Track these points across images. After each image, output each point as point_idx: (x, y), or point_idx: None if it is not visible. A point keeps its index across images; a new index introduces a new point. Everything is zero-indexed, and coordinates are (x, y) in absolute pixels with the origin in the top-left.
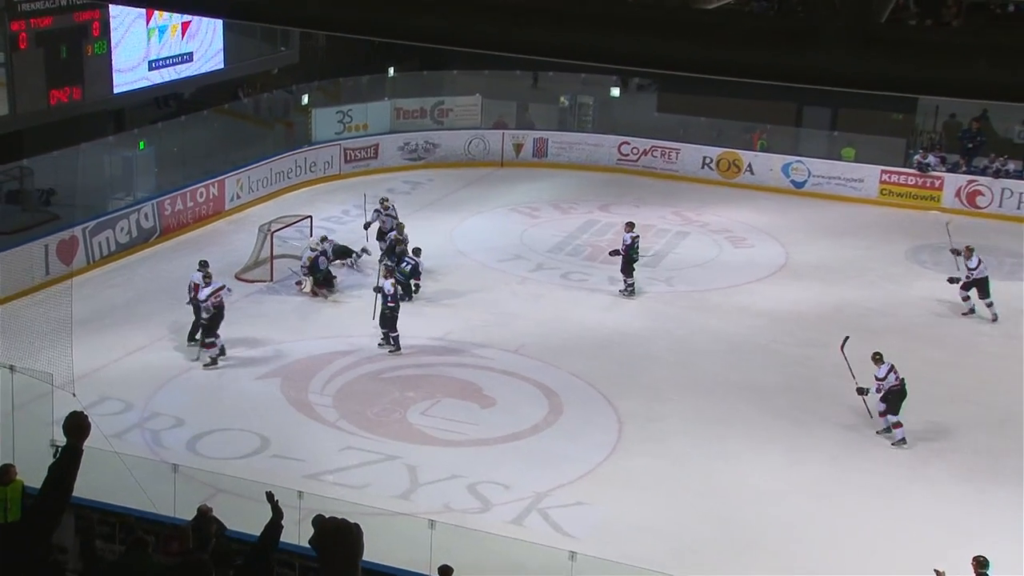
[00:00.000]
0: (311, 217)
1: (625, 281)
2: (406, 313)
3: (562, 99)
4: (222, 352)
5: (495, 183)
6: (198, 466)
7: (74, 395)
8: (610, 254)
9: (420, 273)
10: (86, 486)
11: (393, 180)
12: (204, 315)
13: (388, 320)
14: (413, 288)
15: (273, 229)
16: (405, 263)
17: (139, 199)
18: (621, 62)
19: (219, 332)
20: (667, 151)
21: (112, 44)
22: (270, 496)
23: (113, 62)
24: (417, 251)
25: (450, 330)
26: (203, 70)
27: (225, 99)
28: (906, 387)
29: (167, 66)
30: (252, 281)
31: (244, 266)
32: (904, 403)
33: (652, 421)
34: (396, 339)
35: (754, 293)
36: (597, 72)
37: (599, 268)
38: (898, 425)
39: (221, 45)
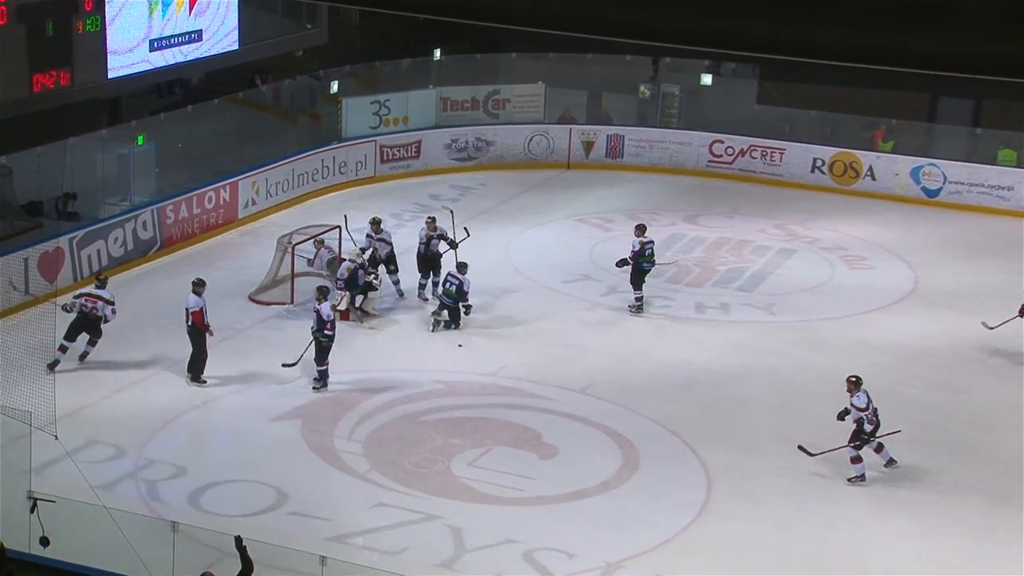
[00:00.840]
0: (340, 228)
1: (635, 295)
2: (448, 341)
3: (642, 88)
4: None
5: (560, 188)
6: (202, 525)
7: (56, 438)
8: (617, 264)
9: (467, 293)
10: (70, 547)
11: (438, 184)
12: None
13: (323, 351)
14: (463, 311)
15: (294, 242)
16: (448, 283)
17: (136, 205)
18: (711, 44)
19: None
20: (769, 151)
21: (107, 20)
22: (239, 542)
23: (108, 41)
24: (462, 267)
25: (504, 365)
26: (214, 52)
27: (239, 86)
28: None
29: (172, 46)
30: (268, 303)
31: (259, 285)
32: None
33: (748, 478)
34: (324, 373)
35: (874, 325)
36: (685, 56)
37: (685, 292)
38: (857, 460)
39: (235, 22)
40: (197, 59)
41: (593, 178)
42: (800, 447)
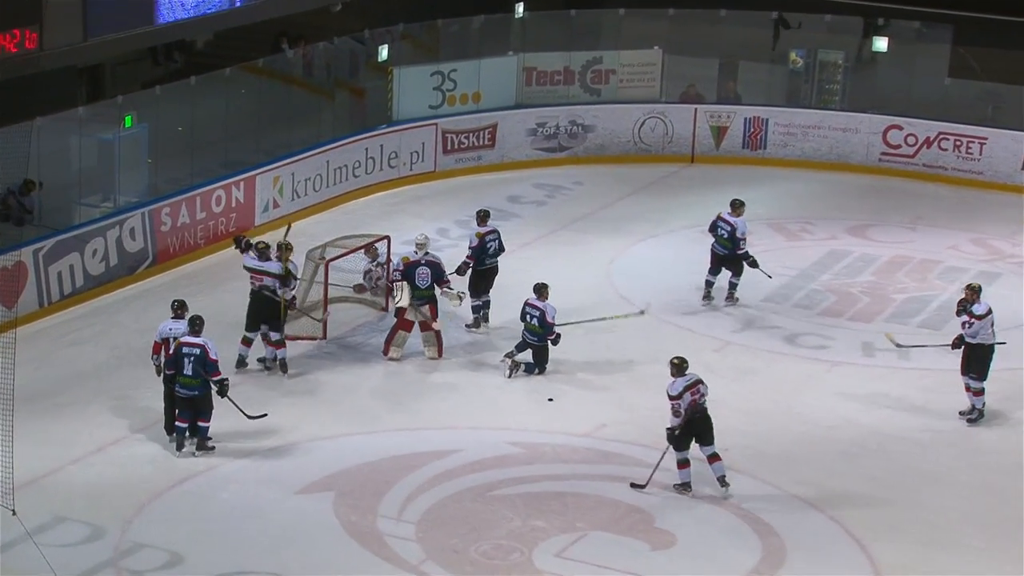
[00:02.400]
0: (388, 238)
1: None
2: (530, 389)
3: (793, 56)
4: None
5: (681, 189)
6: None
7: (13, 513)
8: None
9: (553, 324)
10: None
11: (519, 183)
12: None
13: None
14: (550, 346)
15: (329, 257)
16: (528, 315)
17: (123, 207)
18: None
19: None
20: (965, 141)
21: None
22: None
23: None
24: (541, 289)
25: (603, 423)
26: (225, 5)
27: (259, 51)
28: None
29: None
30: (294, 339)
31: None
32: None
33: None
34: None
35: None
36: (852, 13)
37: (848, 329)
38: (684, 465)
39: None
40: (203, 14)
41: (725, 176)
42: (887, 336)
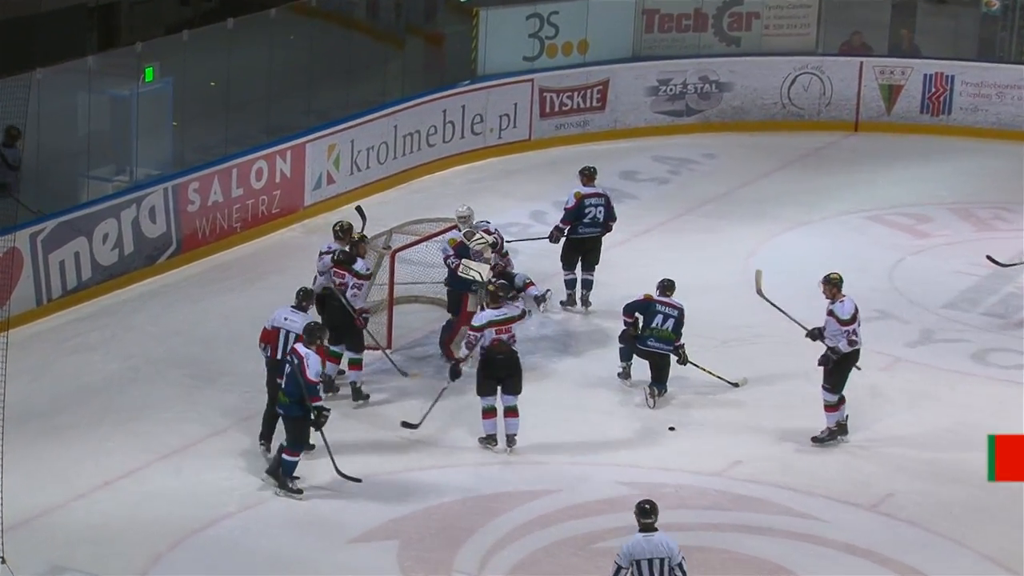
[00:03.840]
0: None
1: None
2: (646, 416)
3: None
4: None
5: (840, 163)
6: None
7: (2, 561)
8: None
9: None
10: None
11: (635, 155)
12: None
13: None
14: (675, 360)
15: (397, 247)
16: (662, 317)
17: (141, 181)
18: None
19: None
20: None
21: None
22: None
23: None
24: (667, 287)
25: (738, 459)
26: None
27: None
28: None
29: None
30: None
31: None
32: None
33: None
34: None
35: None
36: None
37: None
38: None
39: None
40: None
41: (897, 148)
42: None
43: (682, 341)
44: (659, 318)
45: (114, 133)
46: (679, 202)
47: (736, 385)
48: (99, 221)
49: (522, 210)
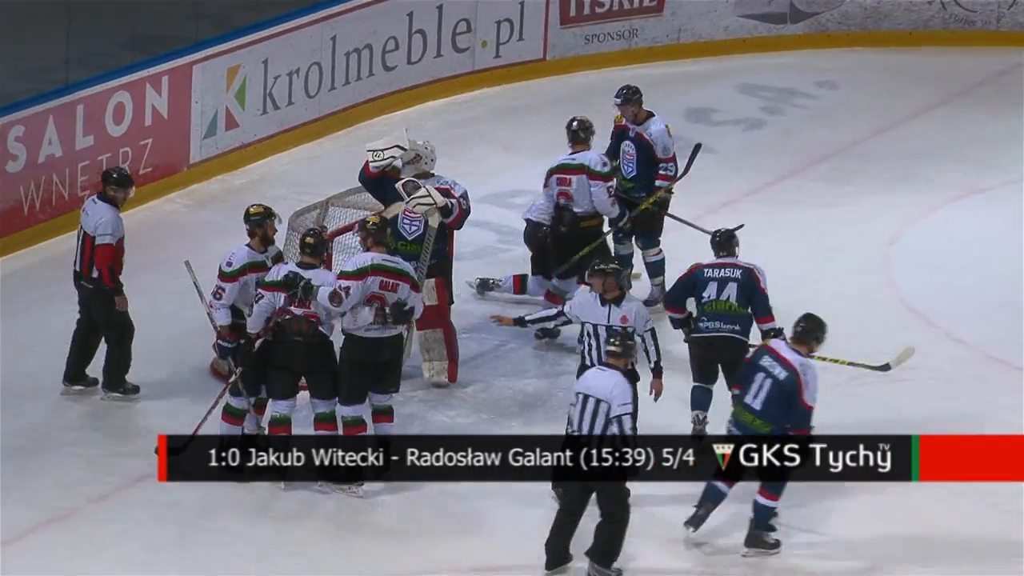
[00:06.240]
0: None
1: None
2: None
3: None
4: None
5: None
6: None
7: None
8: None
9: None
10: None
11: (710, 82)
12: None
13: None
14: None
15: (334, 229)
16: (713, 284)
17: None
18: None
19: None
20: None
21: None
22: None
23: None
24: (722, 244)
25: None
26: None
27: None
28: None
29: None
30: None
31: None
32: None
33: None
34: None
35: None
36: None
37: None
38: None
39: None
40: None
41: None
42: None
43: (775, 322)
44: (712, 287)
45: None
46: (779, 158)
47: (887, 367)
48: None
49: (531, 170)
